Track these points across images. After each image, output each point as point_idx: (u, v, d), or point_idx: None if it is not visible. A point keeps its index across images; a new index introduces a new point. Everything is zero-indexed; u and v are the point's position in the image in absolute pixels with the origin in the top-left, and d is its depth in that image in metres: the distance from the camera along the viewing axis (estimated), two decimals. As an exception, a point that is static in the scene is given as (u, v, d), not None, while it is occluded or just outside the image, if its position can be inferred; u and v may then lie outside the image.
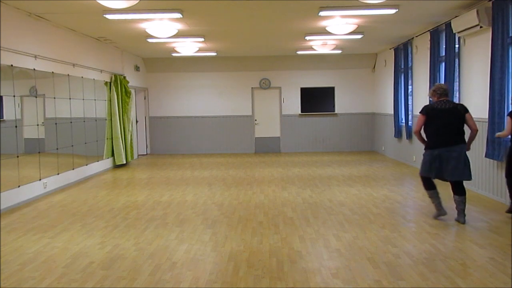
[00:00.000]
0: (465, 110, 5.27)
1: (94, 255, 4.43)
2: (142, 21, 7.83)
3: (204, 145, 13.75)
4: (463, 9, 7.19)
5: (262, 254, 4.37)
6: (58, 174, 8.02)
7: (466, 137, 5.34)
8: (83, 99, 9.23)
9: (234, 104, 13.72)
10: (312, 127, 13.73)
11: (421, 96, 9.46)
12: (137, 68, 12.70)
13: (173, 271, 3.96)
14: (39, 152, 7.48)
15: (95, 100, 9.80)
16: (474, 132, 5.26)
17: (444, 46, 8.12)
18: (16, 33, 6.87)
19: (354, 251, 4.41)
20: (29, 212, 6.31)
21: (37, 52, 7.39)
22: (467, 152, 5.28)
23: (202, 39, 9.71)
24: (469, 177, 5.23)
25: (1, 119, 6.62)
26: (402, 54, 10.71)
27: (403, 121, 10.66)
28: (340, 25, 8.03)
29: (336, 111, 13.71)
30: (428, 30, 8.76)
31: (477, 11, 6.50)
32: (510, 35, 6.11)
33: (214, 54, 12.27)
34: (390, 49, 11.60)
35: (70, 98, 8.64)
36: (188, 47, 10.49)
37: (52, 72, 7.94)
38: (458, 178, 5.22)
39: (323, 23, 8.29)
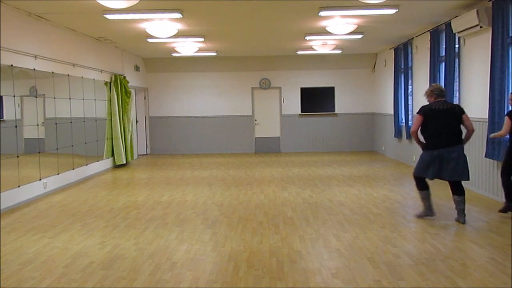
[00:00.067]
0: (462, 111, 5.32)
1: (94, 255, 4.43)
2: (142, 21, 7.83)
3: (204, 145, 13.75)
4: (463, 9, 7.19)
5: (262, 254, 4.37)
6: (58, 174, 8.02)
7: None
8: (83, 99, 9.23)
9: (234, 104, 13.72)
10: (312, 127, 13.73)
11: (421, 96, 9.38)
12: (137, 68, 12.70)
13: (173, 271, 3.96)
14: (39, 152, 7.48)
15: (95, 100, 9.80)
16: (470, 132, 5.31)
17: (444, 46, 8.12)
18: (16, 33, 6.87)
19: (354, 251, 4.41)
20: (29, 212, 6.31)
21: (37, 52, 7.39)
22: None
23: (202, 39, 9.71)
24: (468, 177, 5.25)
25: (1, 119, 6.62)
26: (402, 54, 10.71)
27: (403, 121, 10.66)
28: (340, 25, 8.03)
29: (336, 111, 13.71)
30: (428, 30, 8.76)
31: (477, 11, 6.51)
32: (510, 35, 6.11)
33: (214, 54, 12.27)
34: (390, 49, 11.60)
35: (70, 98, 8.64)
36: (188, 47, 10.49)
37: (52, 72, 7.94)
38: (458, 178, 5.22)
39: (323, 23, 8.29)
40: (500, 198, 6.36)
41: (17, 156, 6.82)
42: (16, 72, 6.84)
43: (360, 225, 5.37)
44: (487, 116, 6.52)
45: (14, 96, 6.78)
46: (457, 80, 7.75)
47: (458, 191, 5.31)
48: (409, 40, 10.21)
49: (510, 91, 5.96)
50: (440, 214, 5.81)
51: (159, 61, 13.35)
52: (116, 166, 10.77)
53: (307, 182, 8.34)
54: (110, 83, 10.52)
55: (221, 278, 3.80)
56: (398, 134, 11.01)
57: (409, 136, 10.27)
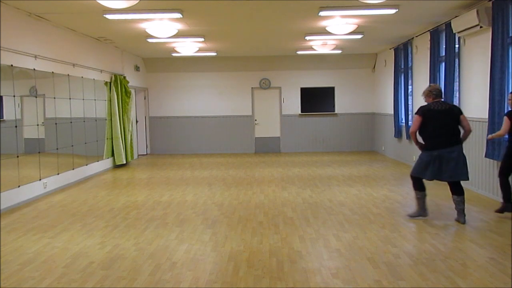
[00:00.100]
0: (460, 111, 5.35)
1: (94, 255, 4.43)
2: (142, 21, 7.83)
3: (204, 145, 13.75)
4: (463, 9, 7.19)
5: (262, 254, 4.37)
6: (58, 174, 8.02)
7: None
8: (83, 99, 9.23)
9: (234, 104, 13.72)
10: (312, 127, 13.73)
11: (421, 96, 9.43)
12: (137, 68, 12.70)
13: (173, 271, 3.96)
14: (39, 152, 7.48)
15: (95, 100, 9.80)
16: (468, 133, 5.34)
17: (444, 46, 8.12)
18: (16, 33, 6.87)
19: (354, 251, 4.41)
20: (29, 212, 6.31)
21: (37, 52, 7.39)
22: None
23: (202, 39, 9.71)
24: (467, 177, 5.27)
25: (1, 119, 6.62)
26: (402, 54, 10.71)
27: (403, 121, 10.66)
28: (340, 25, 8.03)
29: (336, 111, 13.71)
30: (428, 30, 8.76)
31: (477, 11, 6.51)
32: (510, 35, 6.11)
33: (214, 54, 12.27)
34: (390, 49, 11.60)
35: (70, 98, 8.64)
36: (188, 47, 10.49)
37: (52, 72, 7.94)
38: (458, 178, 5.23)
39: (323, 23, 8.29)
40: (500, 198, 6.35)
41: (17, 156, 6.82)
42: (16, 72, 6.84)
43: (360, 225, 5.37)
44: (487, 116, 6.52)
45: (14, 96, 6.78)
46: (457, 80, 7.75)
47: (457, 191, 5.31)
48: (409, 40, 10.21)
49: (510, 91, 5.96)
50: (440, 214, 5.82)
51: (159, 61, 13.35)
52: (116, 166, 10.77)
53: (307, 182, 8.34)
54: (110, 83, 10.52)
55: (221, 278, 3.80)
56: (398, 134, 11.01)
57: (409, 136, 10.27)
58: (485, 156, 6.60)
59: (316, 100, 13.78)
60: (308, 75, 13.67)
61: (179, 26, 8.26)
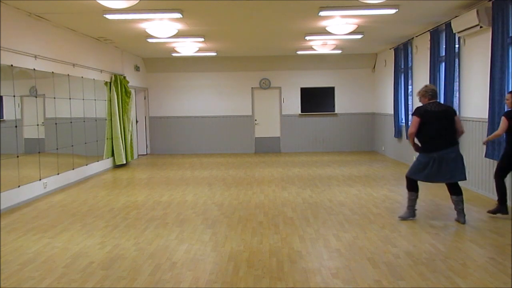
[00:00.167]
0: (454, 112, 5.39)
1: (94, 255, 4.43)
2: (142, 21, 7.83)
3: (204, 145, 13.75)
4: (463, 9, 7.19)
5: (262, 254, 4.37)
6: (58, 174, 8.02)
7: None
8: (83, 99, 9.23)
9: (234, 104, 13.72)
10: (312, 127, 13.73)
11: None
12: (137, 68, 12.70)
13: (173, 271, 3.96)
14: (39, 152, 7.48)
15: (95, 100, 9.80)
16: (460, 134, 5.38)
17: (444, 46, 8.12)
18: (16, 33, 6.87)
19: (354, 251, 4.41)
20: (29, 212, 6.31)
21: (37, 52, 7.39)
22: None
23: (202, 39, 9.71)
24: (466, 177, 5.29)
25: (1, 119, 6.62)
26: (402, 54, 10.71)
27: (403, 121, 10.66)
28: (340, 25, 8.03)
29: (336, 111, 13.71)
30: (428, 30, 8.76)
31: (477, 11, 6.50)
32: (510, 35, 6.11)
33: (214, 54, 12.27)
34: (390, 49, 11.60)
35: (70, 98, 8.64)
36: (188, 47, 10.49)
37: (52, 72, 7.94)
38: (458, 179, 5.25)
39: (323, 23, 8.29)
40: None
41: (17, 156, 6.82)
42: (16, 72, 6.84)
43: (360, 225, 5.37)
44: (487, 116, 6.52)
45: (14, 96, 6.78)
46: (457, 80, 7.75)
47: (456, 191, 5.32)
48: (409, 40, 10.21)
49: (507, 92, 5.96)
50: (440, 214, 5.83)
51: (159, 61, 13.35)
52: (116, 166, 10.77)
53: (307, 182, 8.34)
54: (110, 83, 10.52)
55: (221, 278, 3.80)
56: (398, 134, 11.01)
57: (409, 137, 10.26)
58: (485, 156, 6.60)
59: (316, 100, 13.78)
60: (308, 75, 13.67)
61: (179, 26, 8.26)
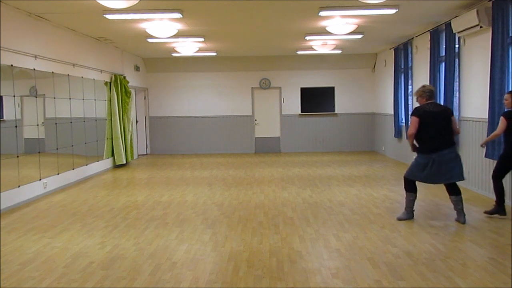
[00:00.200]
0: (451, 112, 5.40)
1: (94, 255, 4.43)
2: (142, 21, 7.83)
3: (204, 145, 13.75)
4: (463, 9, 7.19)
5: (262, 254, 4.37)
6: (58, 174, 8.02)
7: None
8: (83, 99, 9.23)
9: (234, 104, 13.72)
10: (312, 127, 13.73)
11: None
12: (137, 68, 12.70)
13: (173, 271, 3.96)
14: (39, 152, 7.48)
15: (95, 100, 9.80)
16: (455, 134, 5.38)
17: (444, 46, 8.12)
18: (16, 33, 6.87)
19: (354, 251, 4.41)
20: (29, 212, 6.31)
21: (37, 52, 7.39)
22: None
23: (202, 39, 9.71)
24: (464, 177, 5.32)
25: (1, 119, 6.62)
26: (402, 54, 10.71)
27: (403, 121, 10.66)
28: (340, 25, 8.03)
29: (336, 111, 13.71)
30: (428, 30, 8.76)
31: (477, 11, 6.50)
32: (510, 35, 6.11)
33: (214, 54, 12.27)
34: (390, 49, 11.60)
35: (70, 98, 8.64)
36: (188, 47, 10.49)
37: (52, 72, 7.94)
38: (457, 179, 5.26)
39: (323, 23, 8.29)
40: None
41: (17, 156, 6.82)
42: (16, 72, 6.84)
43: (360, 225, 5.37)
44: (487, 116, 6.52)
45: (14, 96, 6.78)
46: (457, 80, 7.75)
47: (454, 191, 5.34)
48: (409, 40, 10.21)
49: (506, 92, 5.95)
50: (440, 214, 5.83)
51: (159, 61, 13.35)
52: (116, 166, 10.77)
53: (307, 182, 8.34)
54: (110, 83, 10.52)
55: (221, 278, 3.80)
56: (398, 134, 11.01)
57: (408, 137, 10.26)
58: (485, 156, 6.60)
59: (316, 100, 13.78)
60: (308, 75, 13.67)
61: (179, 26, 8.26)
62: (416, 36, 9.70)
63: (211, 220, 5.71)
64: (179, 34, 8.89)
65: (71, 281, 3.78)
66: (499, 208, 5.50)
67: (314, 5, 6.88)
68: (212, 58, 13.03)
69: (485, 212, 5.63)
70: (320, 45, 10.66)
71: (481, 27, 6.60)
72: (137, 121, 12.79)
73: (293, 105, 13.71)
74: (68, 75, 8.55)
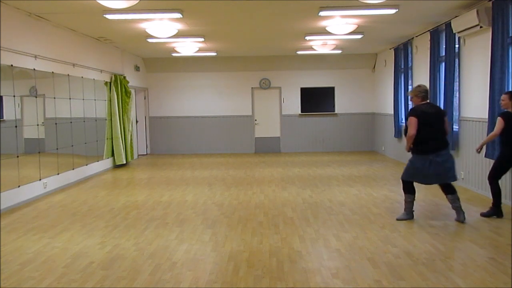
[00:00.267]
0: (445, 113, 5.45)
1: (94, 255, 4.43)
2: (142, 21, 7.83)
3: (204, 145, 13.75)
4: (463, 9, 7.19)
5: (262, 254, 4.37)
6: (58, 174, 8.02)
7: None
8: (83, 99, 9.23)
9: (234, 104, 13.72)
10: (312, 127, 13.73)
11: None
12: (137, 68, 12.70)
13: (173, 271, 3.96)
14: (39, 152, 7.48)
15: (95, 100, 9.80)
16: (446, 135, 5.40)
17: (444, 46, 8.12)
18: (16, 33, 6.87)
19: (354, 251, 4.41)
20: (29, 212, 6.31)
21: (37, 52, 7.39)
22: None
23: (202, 39, 9.71)
24: (457, 178, 5.38)
25: (1, 119, 6.62)
26: (402, 54, 10.71)
27: (403, 121, 10.65)
28: (340, 25, 8.03)
29: (336, 111, 13.71)
30: (428, 30, 8.76)
31: (477, 11, 6.50)
32: (510, 35, 6.11)
33: (214, 54, 12.27)
34: (390, 49, 11.60)
35: (70, 98, 8.64)
36: (188, 47, 10.49)
37: (52, 72, 7.94)
38: (452, 179, 5.30)
39: (323, 23, 8.29)
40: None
41: (17, 156, 6.82)
42: (16, 72, 6.84)
43: (360, 225, 5.37)
44: (487, 116, 6.52)
45: (14, 96, 6.78)
46: (457, 80, 7.75)
47: (450, 190, 5.37)
48: (409, 40, 10.21)
49: (504, 93, 5.94)
50: (440, 214, 5.83)
51: (159, 61, 13.35)
52: (116, 166, 10.77)
53: (307, 182, 8.34)
54: (110, 83, 10.52)
55: (221, 278, 3.80)
56: (398, 134, 11.01)
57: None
58: (485, 156, 6.60)
59: (316, 100, 13.77)
60: (308, 75, 13.67)
61: (179, 26, 8.26)
62: (416, 36, 9.70)
63: (211, 220, 5.71)
64: (179, 34, 8.89)
65: (71, 281, 3.78)
66: (496, 210, 5.50)
67: (314, 5, 6.88)
68: (212, 58, 13.03)
69: (482, 214, 5.59)
70: (320, 45, 10.66)
71: (481, 27, 6.60)
72: (137, 121, 12.79)
73: (293, 105, 13.71)
74: (68, 75, 8.55)
